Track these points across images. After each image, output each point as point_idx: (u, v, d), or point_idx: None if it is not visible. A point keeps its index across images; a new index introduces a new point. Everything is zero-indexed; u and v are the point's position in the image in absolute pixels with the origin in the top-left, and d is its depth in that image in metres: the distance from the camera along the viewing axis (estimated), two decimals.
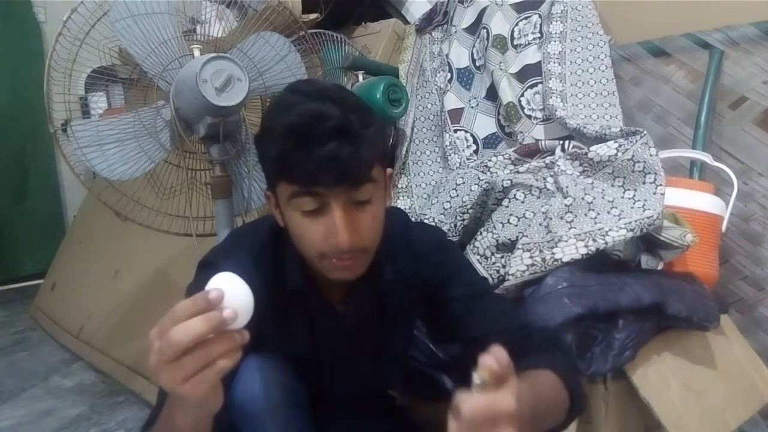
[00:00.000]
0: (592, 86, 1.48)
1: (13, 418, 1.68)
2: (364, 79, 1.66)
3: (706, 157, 1.33)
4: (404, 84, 1.71)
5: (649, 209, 1.08)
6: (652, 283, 1.04)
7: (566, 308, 0.97)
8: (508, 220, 1.19)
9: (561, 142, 1.33)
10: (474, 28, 1.75)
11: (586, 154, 1.22)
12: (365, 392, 0.95)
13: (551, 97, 1.46)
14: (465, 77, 1.73)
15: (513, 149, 1.39)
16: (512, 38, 1.64)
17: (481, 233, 1.23)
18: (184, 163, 1.42)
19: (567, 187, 1.16)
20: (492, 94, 1.63)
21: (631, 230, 1.05)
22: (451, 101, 1.72)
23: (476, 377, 0.50)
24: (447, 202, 1.31)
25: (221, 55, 1.23)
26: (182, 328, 0.50)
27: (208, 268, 0.78)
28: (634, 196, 1.12)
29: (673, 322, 1.06)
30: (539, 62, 1.55)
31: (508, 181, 1.23)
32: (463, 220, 1.28)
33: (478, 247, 1.21)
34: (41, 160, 3.04)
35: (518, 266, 1.08)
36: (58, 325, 2.27)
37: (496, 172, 1.33)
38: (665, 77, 1.55)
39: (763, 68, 1.39)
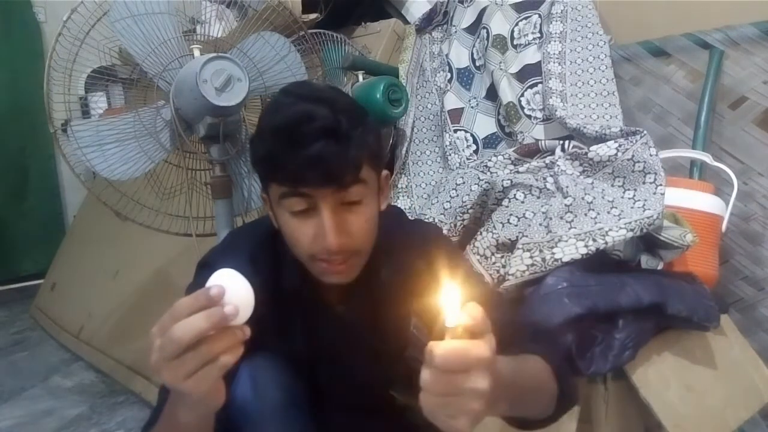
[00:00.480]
0: (592, 86, 1.48)
1: (13, 418, 1.68)
2: (364, 79, 1.66)
3: (706, 157, 1.33)
4: (404, 84, 1.71)
5: (649, 209, 1.08)
6: (652, 283, 1.04)
7: (566, 308, 0.98)
8: (508, 220, 1.19)
9: (561, 142, 1.33)
10: (474, 28, 1.75)
11: (586, 154, 1.22)
12: (364, 392, 0.95)
13: (551, 97, 1.46)
14: (465, 77, 1.73)
15: (513, 149, 1.39)
16: (512, 38, 1.64)
17: (481, 233, 1.23)
18: (184, 163, 1.42)
19: (567, 187, 1.16)
20: (492, 94, 1.63)
21: (631, 230, 1.05)
22: (451, 101, 1.72)
23: (449, 321, 0.48)
24: (447, 202, 1.31)
25: (221, 55, 1.23)
26: (184, 325, 0.51)
27: (206, 268, 0.78)
28: (634, 196, 1.12)
29: (673, 322, 1.06)
30: (539, 62, 1.55)
31: (508, 181, 1.23)
32: (463, 220, 1.28)
33: (478, 247, 1.21)
34: (41, 160, 3.04)
35: (518, 266, 1.08)
36: (58, 325, 2.27)
37: (496, 172, 1.33)
38: (665, 77, 1.55)
39: (763, 68, 1.39)
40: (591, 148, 1.22)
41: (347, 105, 0.71)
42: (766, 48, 1.39)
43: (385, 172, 0.80)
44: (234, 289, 0.54)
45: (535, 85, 1.54)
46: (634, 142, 1.17)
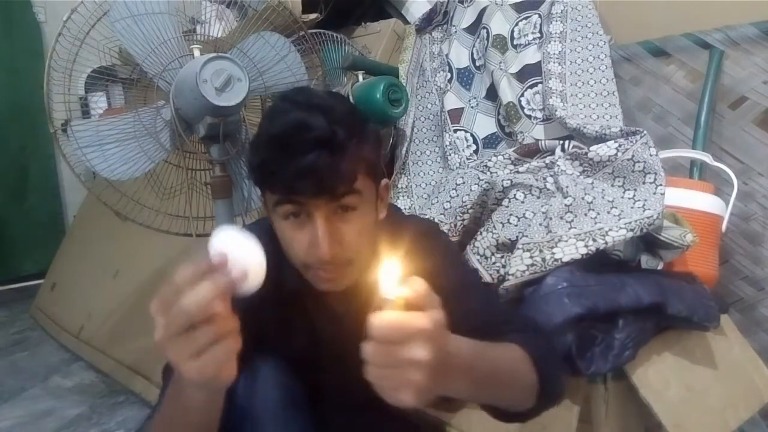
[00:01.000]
0: (592, 86, 1.48)
1: (13, 418, 1.68)
2: (364, 79, 1.66)
3: (706, 157, 1.33)
4: (404, 84, 1.71)
5: (649, 209, 1.08)
6: (652, 283, 1.04)
7: (566, 308, 0.97)
8: (508, 220, 1.19)
9: (561, 142, 1.33)
10: (474, 28, 1.75)
11: (586, 154, 1.22)
12: (365, 392, 0.95)
13: (551, 97, 1.46)
14: (465, 77, 1.73)
15: (513, 149, 1.39)
16: (512, 38, 1.64)
17: (481, 233, 1.23)
18: (184, 163, 1.42)
19: (567, 187, 1.16)
20: (492, 94, 1.63)
21: (631, 230, 1.05)
22: (451, 101, 1.72)
23: (387, 294, 0.48)
24: (447, 202, 1.31)
25: (221, 55, 1.23)
26: (190, 296, 0.48)
27: None
28: (634, 196, 1.12)
29: (673, 322, 1.06)
30: (539, 62, 1.55)
31: (508, 181, 1.22)
32: (463, 220, 1.28)
33: (478, 247, 1.21)
34: (41, 160, 3.04)
35: (518, 266, 1.08)
36: (58, 325, 2.27)
37: (496, 172, 1.33)
38: (665, 77, 1.55)
39: (763, 68, 1.39)
40: (591, 148, 1.22)
41: (344, 114, 0.71)
42: (766, 48, 1.39)
43: (384, 182, 0.79)
44: (239, 252, 0.51)
45: (535, 85, 1.54)
46: (634, 142, 1.17)
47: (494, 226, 1.21)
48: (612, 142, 1.21)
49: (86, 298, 2.22)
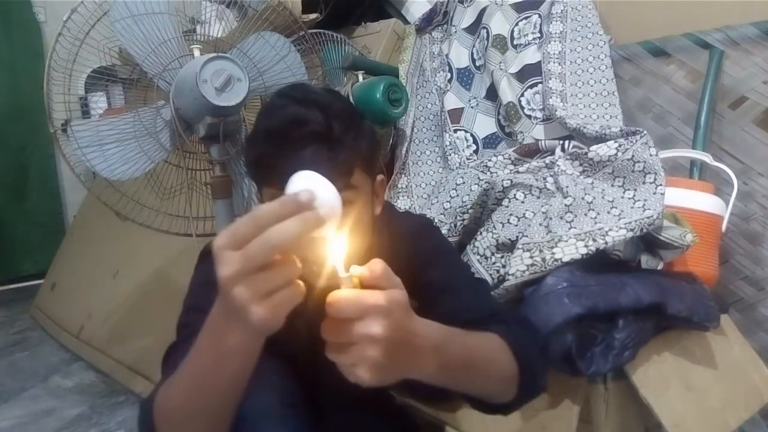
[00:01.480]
0: (592, 86, 1.48)
1: (13, 418, 1.68)
2: (364, 79, 1.66)
3: (706, 157, 1.33)
4: (404, 84, 1.71)
5: (649, 209, 1.08)
6: (652, 283, 1.04)
7: (566, 308, 0.97)
8: (508, 220, 1.19)
9: (561, 142, 1.33)
10: (474, 28, 1.75)
11: (586, 154, 1.22)
12: (363, 391, 0.95)
13: (551, 97, 1.46)
14: (465, 77, 1.73)
15: (513, 149, 1.39)
16: (512, 38, 1.64)
17: (481, 233, 1.23)
18: (184, 163, 1.42)
19: (567, 187, 1.16)
20: (492, 94, 1.63)
21: (631, 230, 1.05)
22: (451, 101, 1.72)
23: (341, 272, 0.49)
24: (447, 202, 1.31)
25: (221, 55, 1.23)
26: (279, 230, 0.45)
27: (209, 257, 0.78)
28: (634, 196, 1.12)
29: (673, 322, 1.06)
30: (539, 62, 1.55)
31: (508, 181, 1.22)
32: (463, 220, 1.28)
33: (478, 247, 1.21)
34: (41, 160, 3.04)
35: (518, 266, 1.08)
36: (58, 325, 2.27)
37: (496, 172, 1.33)
38: (665, 77, 1.55)
39: (763, 68, 1.39)
40: (591, 148, 1.22)
41: (341, 109, 0.71)
42: (766, 48, 1.39)
43: (380, 177, 0.79)
44: (322, 192, 0.50)
45: (535, 85, 1.53)
46: (634, 142, 1.17)
47: (494, 226, 1.21)
48: (612, 142, 1.21)
49: (86, 298, 2.22)
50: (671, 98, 1.54)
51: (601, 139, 1.26)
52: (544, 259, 1.06)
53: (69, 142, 1.26)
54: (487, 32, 1.67)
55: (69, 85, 1.32)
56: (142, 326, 1.87)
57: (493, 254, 1.19)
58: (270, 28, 1.48)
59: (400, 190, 1.69)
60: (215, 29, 1.57)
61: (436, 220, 1.31)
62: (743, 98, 1.42)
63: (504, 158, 1.37)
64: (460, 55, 1.76)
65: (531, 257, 1.08)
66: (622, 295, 1.00)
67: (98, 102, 1.70)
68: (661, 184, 1.10)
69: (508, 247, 1.18)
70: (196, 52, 1.30)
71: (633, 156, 1.15)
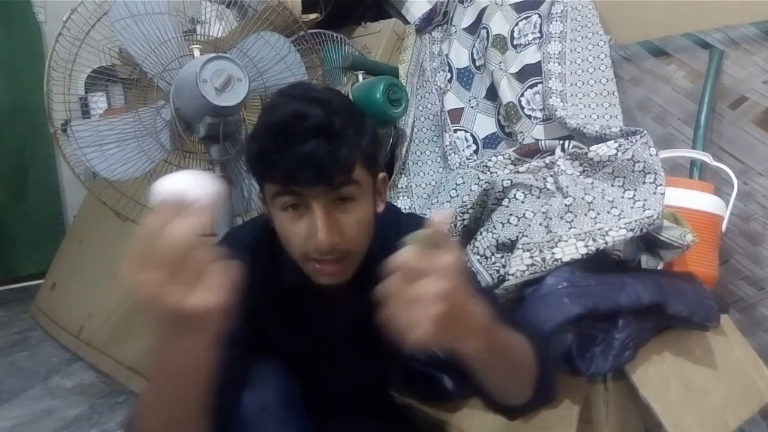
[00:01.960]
0: (592, 86, 1.48)
1: (13, 418, 1.68)
2: (364, 79, 1.66)
3: (706, 157, 1.33)
4: (404, 84, 1.71)
5: (649, 209, 1.08)
6: (652, 283, 1.04)
7: (566, 308, 0.97)
8: (508, 220, 1.19)
9: (561, 142, 1.33)
10: (474, 28, 1.75)
11: (586, 154, 1.22)
12: (363, 392, 0.95)
13: (551, 97, 1.46)
14: (465, 77, 1.73)
15: (513, 149, 1.39)
16: (512, 38, 1.64)
17: (481, 233, 1.23)
18: (184, 163, 1.42)
19: (567, 187, 1.16)
20: (492, 94, 1.63)
21: (631, 230, 1.05)
22: (451, 101, 1.72)
23: (408, 238, 0.51)
24: (447, 202, 1.31)
25: (221, 55, 1.23)
26: (171, 234, 0.48)
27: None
28: (634, 195, 1.12)
29: (673, 322, 1.06)
30: (539, 62, 1.55)
31: (508, 181, 1.22)
32: (463, 220, 1.28)
33: (478, 247, 1.21)
34: (41, 160, 3.04)
35: (518, 266, 1.08)
36: (58, 325, 2.27)
37: (496, 172, 1.33)
38: (665, 77, 1.55)
39: (763, 68, 1.39)
40: (591, 148, 1.22)
41: (342, 106, 0.71)
42: (766, 48, 1.39)
43: (382, 175, 0.79)
44: (182, 186, 0.52)
45: (535, 85, 1.54)
46: (634, 142, 1.17)
47: (494, 226, 1.21)
48: (612, 142, 1.21)
49: (86, 298, 2.22)
50: (671, 98, 1.54)
51: (601, 139, 1.26)
52: (544, 259, 1.06)
53: (69, 142, 1.26)
54: (487, 32, 1.67)
55: (69, 85, 1.32)
56: (142, 326, 1.87)
57: (493, 254, 1.19)
58: (270, 28, 1.48)
59: (400, 190, 1.69)
60: (215, 29, 1.57)
61: None
62: (743, 98, 1.43)
63: (504, 158, 1.37)
64: (460, 55, 1.76)
65: (531, 257, 1.08)
66: (622, 295, 1.00)
67: (98, 102, 1.70)
68: (661, 184, 1.10)
69: (508, 247, 1.17)
70: (196, 52, 1.30)
71: (633, 156, 1.15)
